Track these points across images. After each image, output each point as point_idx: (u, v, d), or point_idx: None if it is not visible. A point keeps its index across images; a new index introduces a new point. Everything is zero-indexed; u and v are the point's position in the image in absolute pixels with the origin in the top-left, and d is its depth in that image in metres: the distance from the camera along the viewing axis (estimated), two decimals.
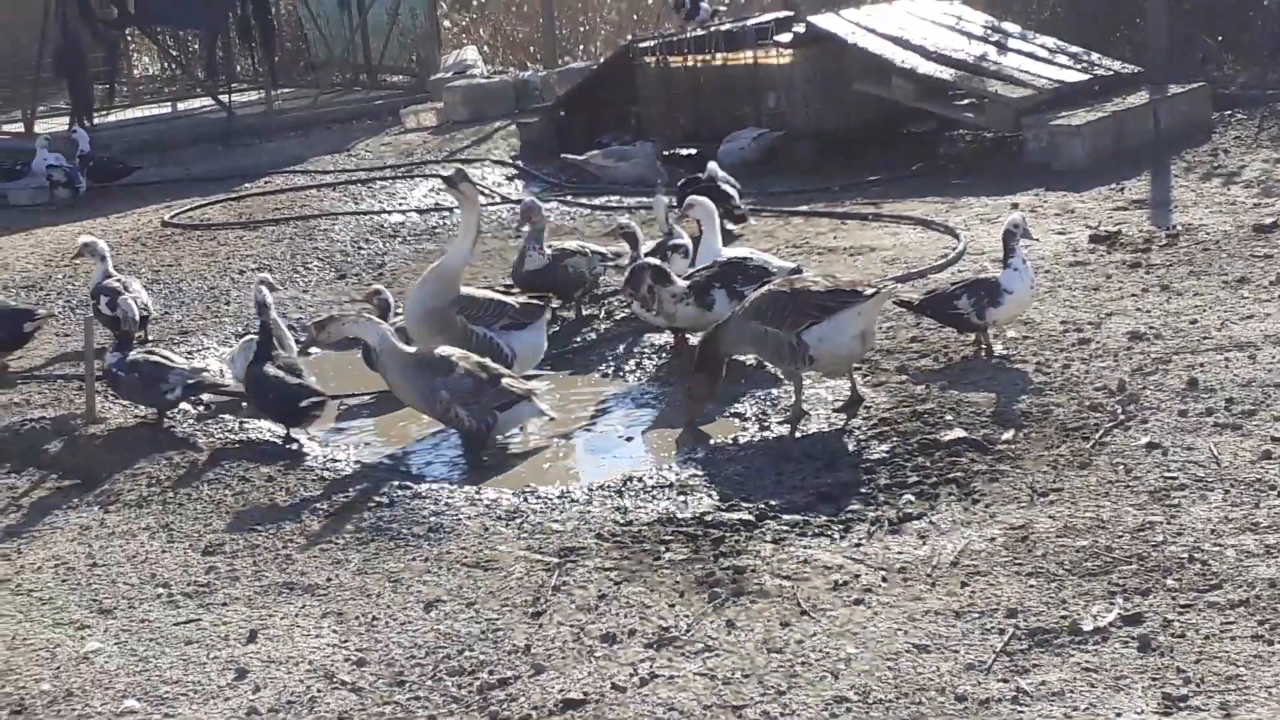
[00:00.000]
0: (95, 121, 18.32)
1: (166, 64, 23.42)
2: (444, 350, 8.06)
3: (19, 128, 18.93)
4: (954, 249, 10.53)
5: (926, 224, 11.43)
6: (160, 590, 6.59)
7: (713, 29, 15.16)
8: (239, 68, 21.45)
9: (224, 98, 19.53)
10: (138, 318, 9.20)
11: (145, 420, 8.65)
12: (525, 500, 7.20)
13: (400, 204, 14.10)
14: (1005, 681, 5.21)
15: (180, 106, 20.81)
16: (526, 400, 8.04)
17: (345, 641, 5.97)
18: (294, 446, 8.00)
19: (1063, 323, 8.82)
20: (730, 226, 11.85)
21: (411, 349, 8.20)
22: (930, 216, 11.57)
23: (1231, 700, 4.91)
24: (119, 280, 9.99)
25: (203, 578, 6.67)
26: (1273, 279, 9.09)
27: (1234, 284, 9.14)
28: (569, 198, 13.67)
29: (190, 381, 8.48)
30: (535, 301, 8.84)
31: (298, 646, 5.96)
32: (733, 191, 11.74)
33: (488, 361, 8.14)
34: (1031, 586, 5.84)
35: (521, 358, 8.66)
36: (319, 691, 5.60)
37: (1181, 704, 4.94)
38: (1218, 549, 5.93)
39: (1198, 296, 9.01)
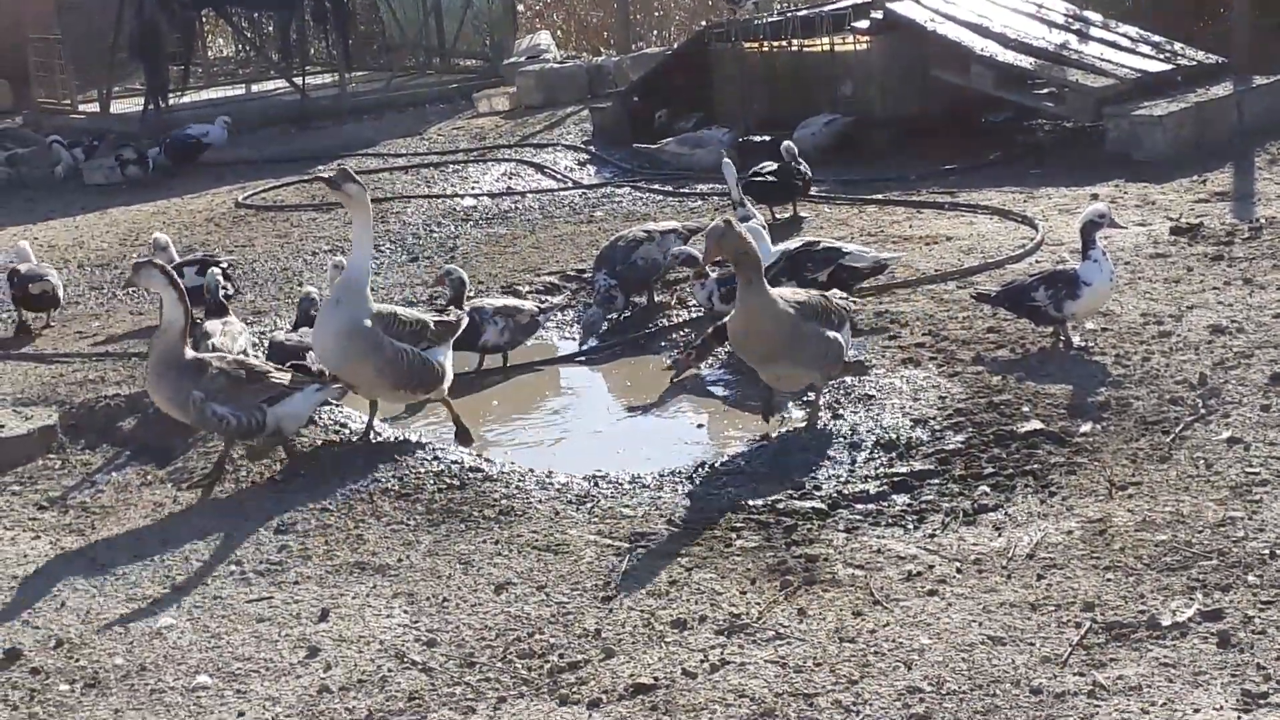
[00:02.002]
0: (170, 103, 18.45)
1: (241, 46, 23.55)
2: (200, 355, 7.61)
3: (95, 108, 19.11)
4: (1031, 239, 10.41)
5: (1003, 214, 11.30)
6: (233, 568, 6.62)
7: (789, 14, 15.06)
8: (313, 50, 21.52)
9: (298, 80, 19.61)
10: (219, 288, 9.18)
11: None
12: (596, 485, 7.17)
13: (472, 188, 14.11)
14: (1081, 675, 5.14)
15: (254, 88, 20.92)
16: (301, 391, 7.58)
17: (416, 622, 5.97)
18: (373, 437, 7.96)
19: (1142, 315, 8.70)
20: (801, 213, 11.81)
21: (174, 350, 7.45)
22: (1007, 206, 11.44)
23: None
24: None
25: (275, 556, 6.70)
26: None
27: None
28: (641, 184, 13.62)
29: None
30: (448, 320, 8.13)
31: (369, 626, 5.97)
32: (805, 169, 11.69)
33: (247, 358, 7.77)
34: (1109, 580, 5.76)
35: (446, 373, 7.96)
36: (390, 671, 5.60)
37: (1262, 701, 4.85)
38: None
39: None
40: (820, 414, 7.78)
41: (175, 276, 7.57)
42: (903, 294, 9.65)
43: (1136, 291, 9.15)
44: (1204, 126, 12.61)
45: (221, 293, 9.06)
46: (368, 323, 7.63)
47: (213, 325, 8.70)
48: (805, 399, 8.06)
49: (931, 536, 6.36)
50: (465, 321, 8.30)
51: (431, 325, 7.94)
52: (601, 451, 7.88)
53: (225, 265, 10.25)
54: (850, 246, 9.46)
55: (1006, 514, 6.48)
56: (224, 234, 12.99)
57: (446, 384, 7.99)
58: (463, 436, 7.99)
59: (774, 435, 7.63)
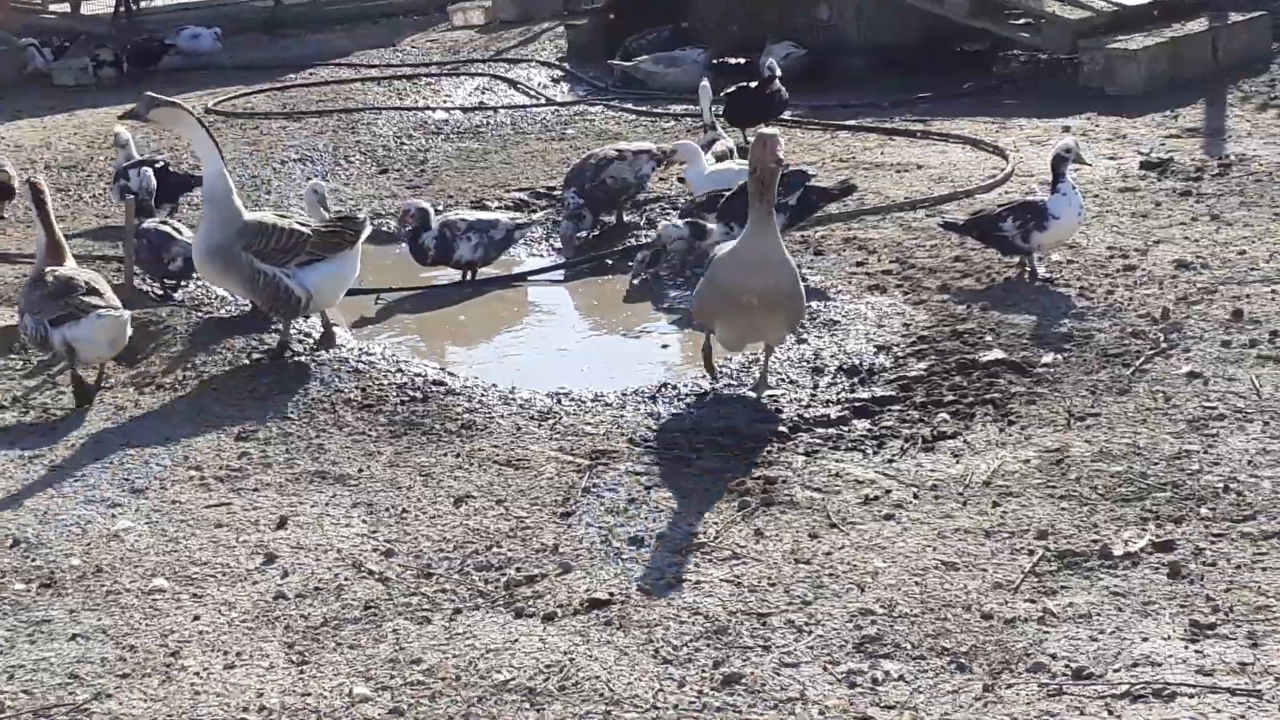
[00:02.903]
0: (140, 6, 18.23)
1: None
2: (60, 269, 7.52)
3: (65, 8, 18.87)
4: (1002, 170, 10.41)
5: (975, 143, 11.29)
6: (192, 473, 6.62)
7: None
8: None
9: None
10: (153, 188, 9.39)
11: (152, 293, 8.73)
12: (559, 402, 7.18)
13: (445, 101, 14.01)
14: (1032, 602, 5.19)
15: None
16: (89, 315, 7.31)
17: (374, 532, 5.99)
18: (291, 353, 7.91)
19: (1109, 248, 8.72)
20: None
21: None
22: (980, 136, 11.43)
23: (1260, 630, 4.87)
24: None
25: (235, 462, 6.70)
26: None
27: None
28: (615, 102, 13.55)
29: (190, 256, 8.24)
30: (338, 229, 7.80)
31: (327, 535, 5.99)
32: (783, 91, 11.65)
33: (79, 276, 7.47)
34: (1064, 509, 5.81)
35: (318, 295, 7.70)
36: (346, 580, 5.63)
37: (1209, 631, 4.91)
38: (1254, 480, 5.87)
39: (1247, 227, 8.88)
40: (770, 375, 7.28)
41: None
42: (872, 221, 9.65)
43: (1104, 225, 9.16)
44: (1179, 62, 12.59)
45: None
46: (230, 238, 7.55)
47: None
48: (754, 357, 7.46)
49: (890, 462, 6.40)
50: (367, 228, 7.91)
51: (310, 234, 7.64)
52: (566, 369, 7.88)
53: (160, 164, 10.28)
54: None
55: (965, 441, 6.52)
56: None
57: (324, 303, 7.80)
58: (326, 340, 7.89)
59: (735, 359, 7.63)
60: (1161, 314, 7.63)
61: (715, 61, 13.57)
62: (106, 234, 10.28)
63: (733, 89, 11.74)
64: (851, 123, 12.22)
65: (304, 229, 7.70)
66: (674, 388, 7.30)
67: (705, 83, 10.85)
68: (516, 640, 5.15)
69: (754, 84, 11.71)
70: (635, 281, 8.99)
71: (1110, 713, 4.52)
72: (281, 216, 7.93)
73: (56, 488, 6.54)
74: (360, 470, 6.55)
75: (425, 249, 9.10)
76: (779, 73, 11.65)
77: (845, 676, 4.84)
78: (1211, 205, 9.34)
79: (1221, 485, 5.86)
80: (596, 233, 9.84)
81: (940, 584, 5.36)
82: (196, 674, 5.06)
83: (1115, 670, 4.74)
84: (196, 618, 5.42)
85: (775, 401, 7.09)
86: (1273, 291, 7.80)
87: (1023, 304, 8.02)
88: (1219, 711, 4.47)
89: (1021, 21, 13.37)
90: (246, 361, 7.82)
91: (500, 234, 9.25)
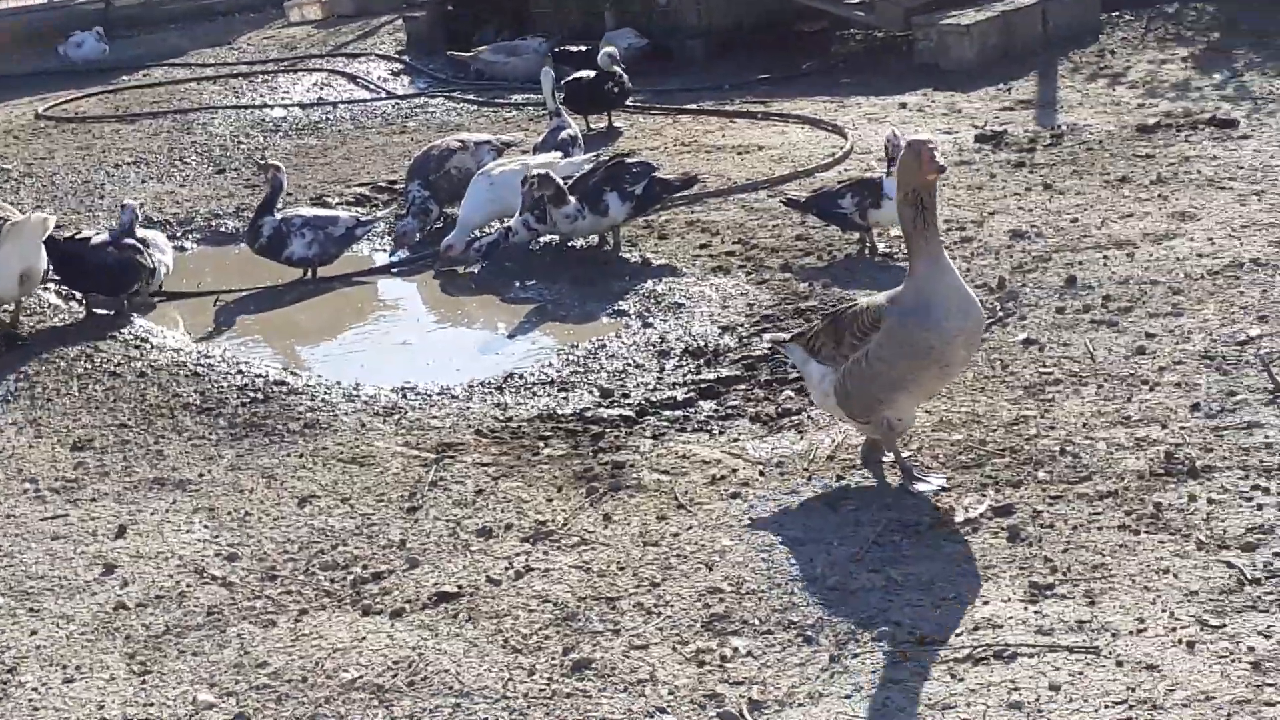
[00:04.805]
0: None
1: None
2: None
3: None
4: (841, 148, 10.51)
5: (815, 123, 11.38)
6: (27, 485, 6.45)
7: None
8: None
9: None
10: None
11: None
12: (404, 396, 7.12)
13: (282, 98, 13.82)
14: (876, 572, 5.24)
15: None
16: None
17: (217, 537, 5.89)
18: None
19: (946, 221, 8.83)
20: (617, 123, 11.80)
21: None
22: (819, 115, 11.52)
23: (1096, 588, 4.97)
24: None
25: (71, 473, 6.55)
26: (1153, 179, 9.15)
27: (1115, 183, 9.19)
28: (456, 94, 13.46)
29: None
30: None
31: (167, 542, 5.87)
32: (624, 77, 11.65)
33: None
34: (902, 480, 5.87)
35: None
36: (188, 586, 5.52)
37: (1047, 592, 4.99)
38: (1089, 442, 5.99)
39: (1079, 196, 9.06)
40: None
41: None
42: (714, 203, 9.69)
43: (941, 198, 9.19)
44: (1010, 35, 12.79)
45: None
46: None
47: None
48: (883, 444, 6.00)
49: (736, 441, 6.43)
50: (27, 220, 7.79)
51: None
52: (411, 363, 7.81)
53: None
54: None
55: (809, 417, 6.57)
56: (23, 146, 12.58)
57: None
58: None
59: (582, 346, 7.62)
60: (998, 283, 7.75)
61: (556, 50, 13.53)
62: None
63: (573, 76, 11.74)
64: (693, 106, 12.26)
65: None
66: (520, 377, 7.28)
67: (547, 70, 10.82)
68: (364, 638, 5.10)
69: (594, 72, 11.71)
70: (468, 271, 8.95)
71: (953, 676, 4.58)
72: None
73: None
74: (201, 475, 6.44)
75: (259, 232, 8.94)
76: (615, 69, 11.65)
77: (694, 655, 4.85)
78: (1044, 175, 9.51)
79: (1058, 449, 5.96)
80: (440, 225, 9.76)
81: (787, 558, 5.39)
82: (35, 689, 4.94)
83: (958, 634, 4.81)
84: (34, 632, 5.29)
85: (623, 386, 7.09)
86: (1104, 258, 7.97)
87: (864, 279, 8.11)
88: (1057, 669, 4.55)
89: (856, 0, 13.50)
90: (82, 369, 7.63)
91: (340, 231, 9.13)
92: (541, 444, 6.53)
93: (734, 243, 8.91)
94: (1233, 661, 4.50)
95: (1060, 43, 12.82)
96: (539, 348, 7.87)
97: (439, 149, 9.92)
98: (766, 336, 6.54)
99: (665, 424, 6.67)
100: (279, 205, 9.00)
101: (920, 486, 5.75)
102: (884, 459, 5.98)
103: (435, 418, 6.87)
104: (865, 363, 5.59)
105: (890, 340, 5.53)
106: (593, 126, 11.76)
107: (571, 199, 8.72)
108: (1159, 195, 8.82)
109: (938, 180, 5.57)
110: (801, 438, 6.39)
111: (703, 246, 8.91)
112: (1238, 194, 8.74)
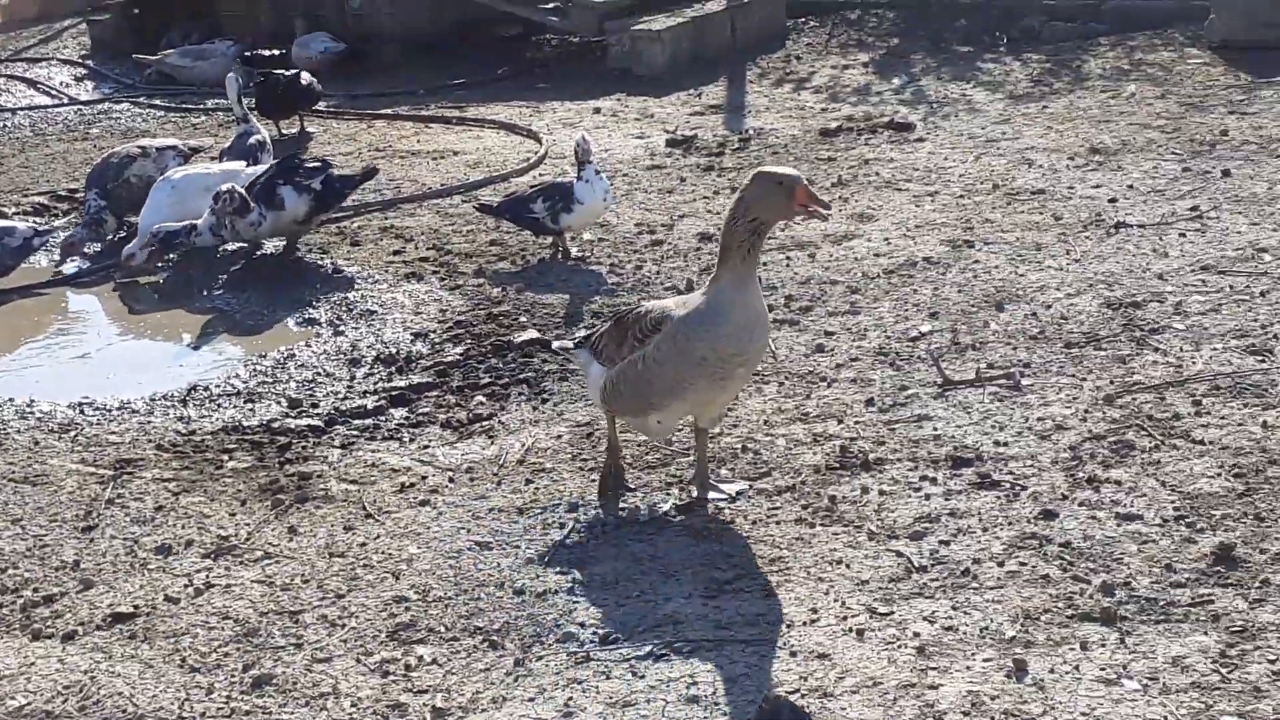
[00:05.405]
0: None
1: None
2: None
3: None
4: (536, 153, 10.56)
5: (510, 128, 11.41)
6: None
7: None
8: None
9: None
10: None
11: None
12: (81, 412, 6.89)
13: None
14: (563, 574, 5.28)
15: None
16: None
17: None
18: None
19: (637, 225, 8.97)
20: (309, 128, 11.64)
21: None
22: (514, 120, 11.55)
23: (774, 581, 5.10)
24: None
25: None
26: (834, 181, 9.44)
27: None
28: (142, 99, 13.07)
29: None
30: None
31: None
32: (314, 81, 11.51)
33: None
34: (593, 481, 5.92)
35: None
36: None
37: (727, 587, 5.11)
38: (769, 439, 6.14)
39: None
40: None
41: None
42: (409, 209, 9.63)
43: (633, 202, 9.42)
44: (701, 41, 13.04)
45: None
46: None
47: None
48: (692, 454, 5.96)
49: (426, 448, 6.40)
50: None
51: None
52: (90, 377, 7.55)
53: None
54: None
55: (500, 422, 6.59)
56: None
57: None
58: None
59: (271, 355, 7.49)
60: (686, 286, 7.89)
61: (247, 54, 13.25)
62: None
63: (262, 79, 11.53)
64: (387, 112, 12.16)
65: None
66: (205, 389, 7.11)
67: (232, 75, 10.59)
68: (33, 663, 4.91)
69: (285, 74, 11.53)
70: (150, 281, 8.72)
71: (635, 674, 4.65)
72: None
73: None
74: None
75: None
76: (305, 79, 11.49)
77: (379, 666, 4.81)
78: (732, 179, 9.71)
79: (740, 446, 6.10)
80: (123, 234, 9.45)
81: (474, 564, 5.39)
82: None
83: (640, 632, 4.87)
84: None
85: (312, 396, 7.00)
86: (787, 259, 8.18)
87: (556, 284, 8.17)
88: (734, 662, 4.65)
89: (551, 5, 13.59)
90: None
91: (17, 242, 8.78)
92: (226, 457, 6.39)
93: (428, 248, 8.88)
94: (899, 647, 4.67)
95: (748, 49, 13.13)
96: (225, 358, 7.71)
97: (119, 156, 9.63)
98: (555, 344, 6.45)
99: (355, 433, 6.60)
100: None
101: (714, 495, 5.65)
102: (718, 492, 5.71)
103: (114, 433, 6.66)
104: (641, 365, 5.52)
105: (667, 344, 5.45)
106: (284, 132, 11.57)
107: (254, 207, 8.56)
108: (840, 197, 9.10)
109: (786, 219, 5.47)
110: (492, 443, 6.39)
111: (396, 253, 8.84)
112: (913, 195, 9.09)
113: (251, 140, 10.11)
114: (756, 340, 5.45)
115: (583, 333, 6.57)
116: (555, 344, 6.50)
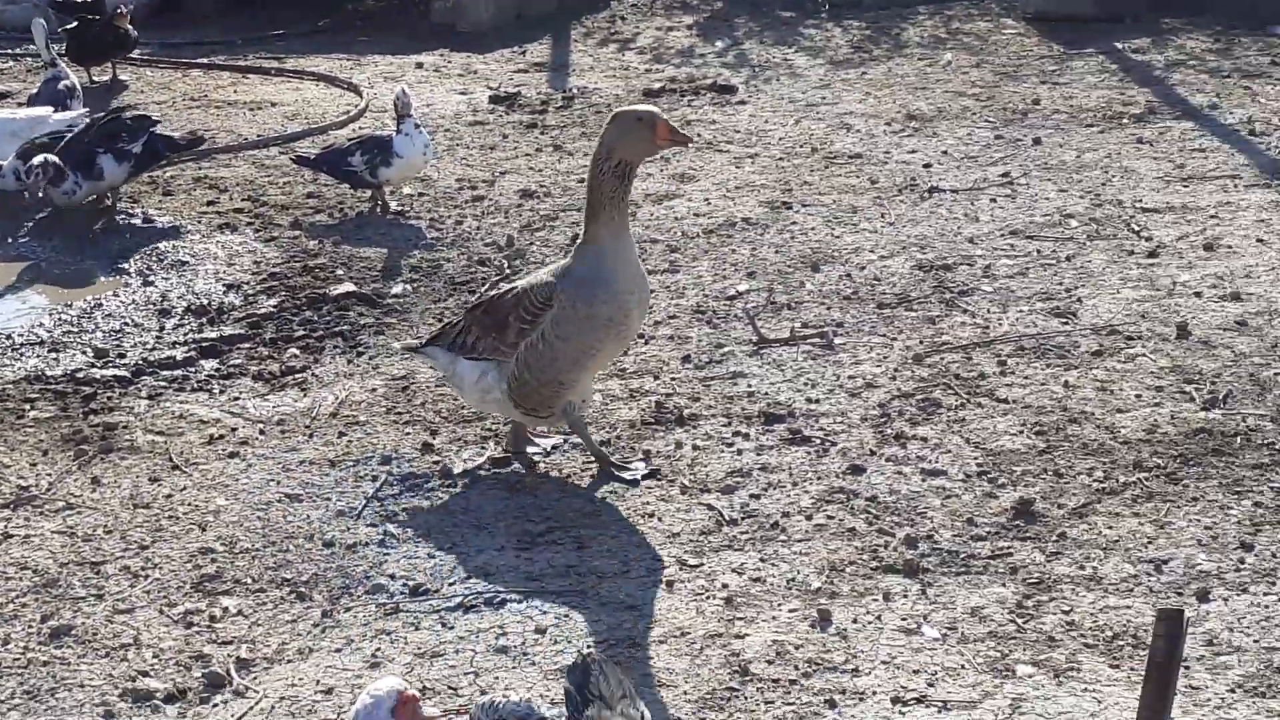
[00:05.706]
0: None
1: None
2: None
3: None
4: (356, 106, 10.42)
5: (330, 80, 11.24)
6: None
7: None
8: None
9: None
10: None
11: None
12: None
13: None
14: (374, 526, 5.25)
15: None
16: None
17: None
18: None
19: (458, 180, 8.90)
20: (122, 76, 11.34)
21: None
22: (335, 73, 11.38)
23: (586, 535, 5.14)
24: None
25: None
26: None
27: None
28: None
29: None
30: None
31: None
32: (129, 27, 11.18)
33: None
34: (407, 434, 5.89)
35: None
36: None
37: (539, 540, 5.11)
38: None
39: (588, 157, 9.23)
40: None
41: None
42: (224, 159, 9.44)
43: (455, 158, 9.34)
44: (526, 0, 12.96)
45: None
46: None
47: None
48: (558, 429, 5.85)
49: (237, 400, 6.30)
50: None
51: None
52: None
53: None
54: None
55: (314, 374, 6.51)
56: None
57: None
58: None
59: (77, 304, 7.29)
60: (507, 241, 7.87)
61: None
62: None
63: (74, 24, 11.18)
64: (204, 61, 11.88)
65: None
66: (7, 337, 6.91)
67: (39, 19, 10.26)
68: None
69: (97, 18, 11.19)
70: None
71: (444, 625, 4.64)
72: None
73: None
74: None
75: None
76: (119, 25, 11.16)
77: (182, 617, 4.73)
78: (555, 136, 9.69)
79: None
80: None
81: (283, 517, 5.33)
82: None
83: (451, 584, 4.86)
84: None
85: (119, 346, 6.84)
86: None
87: (375, 237, 8.08)
88: (544, 613, 4.67)
89: None
90: None
91: None
92: (28, 406, 6.22)
93: (243, 200, 8.71)
94: (708, 598, 4.73)
95: (574, 8, 13.06)
96: (29, 307, 7.48)
97: None
98: (397, 345, 6.32)
99: (163, 384, 6.47)
100: None
101: (627, 475, 5.46)
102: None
103: None
104: (542, 344, 5.29)
105: (566, 315, 5.26)
106: (96, 79, 11.24)
107: (70, 175, 8.24)
108: (661, 157, 9.12)
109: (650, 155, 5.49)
110: (305, 395, 6.31)
111: (210, 203, 8.66)
112: (734, 156, 9.15)
113: (60, 86, 9.80)
114: (645, 287, 5.46)
115: (427, 331, 6.44)
116: (399, 345, 6.40)
